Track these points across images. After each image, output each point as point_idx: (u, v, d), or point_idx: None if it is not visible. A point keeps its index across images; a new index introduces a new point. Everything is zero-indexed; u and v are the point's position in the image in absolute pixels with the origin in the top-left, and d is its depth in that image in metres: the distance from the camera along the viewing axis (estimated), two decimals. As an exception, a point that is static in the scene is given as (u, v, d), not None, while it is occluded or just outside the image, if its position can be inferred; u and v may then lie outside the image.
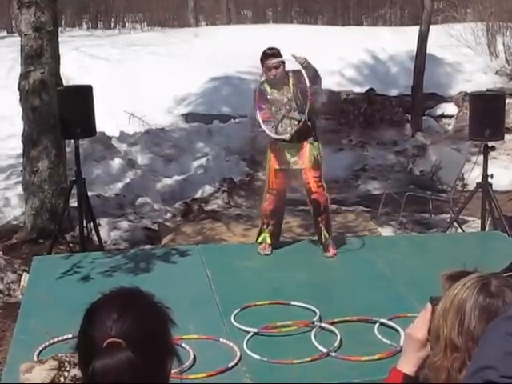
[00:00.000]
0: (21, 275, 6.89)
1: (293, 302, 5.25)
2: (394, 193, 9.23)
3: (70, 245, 7.57)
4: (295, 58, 6.02)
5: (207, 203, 9.93)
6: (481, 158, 7.82)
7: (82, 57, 15.19)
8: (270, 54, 6.12)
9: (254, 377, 4.27)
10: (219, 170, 10.75)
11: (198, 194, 10.18)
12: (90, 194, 7.71)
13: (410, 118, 12.78)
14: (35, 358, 4.14)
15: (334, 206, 9.48)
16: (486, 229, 7.68)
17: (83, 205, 7.17)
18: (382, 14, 30.47)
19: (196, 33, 18.25)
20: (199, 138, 11.73)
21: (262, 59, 6.16)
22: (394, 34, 16.58)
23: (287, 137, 6.16)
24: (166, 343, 1.72)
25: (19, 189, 8.80)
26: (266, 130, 6.16)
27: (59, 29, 8.82)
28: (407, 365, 1.93)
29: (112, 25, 32.39)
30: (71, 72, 11.81)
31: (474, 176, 8.89)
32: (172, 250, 6.61)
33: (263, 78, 6.28)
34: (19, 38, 8.25)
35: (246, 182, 10.65)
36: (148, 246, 7.93)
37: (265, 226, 6.50)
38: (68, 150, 8.62)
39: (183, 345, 4.34)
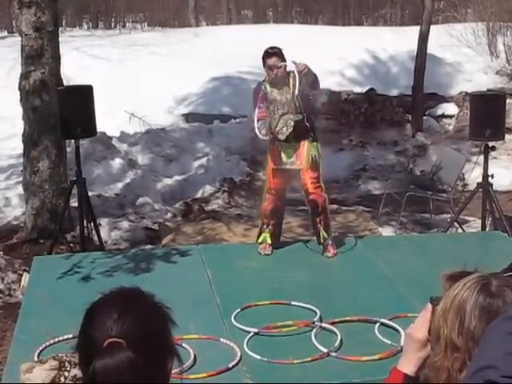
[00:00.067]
0: (21, 275, 6.89)
1: (293, 302, 5.24)
2: (395, 193, 9.23)
3: (71, 245, 7.57)
4: (295, 64, 6.05)
5: (208, 203, 9.93)
6: (481, 158, 7.82)
7: (83, 57, 15.20)
8: (272, 53, 6.13)
9: (254, 377, 4.27)
10: (220, 169, 10.75)
11: (199, 194, 10.19)
12: (90, 193, 7.72)
13: (410, 118, 12.78)
14: (36, 358, 4.14)
15: (335, 206, 9.48)
16: (487, 229, 7.68)
17: (84, 205, 7.17)
18: (383, 14, 30.47)
19: (196, 33, 18.25)
20: (200, 138, 11.73)
21: (263, 58, 6.17)
22: (394, 34, 16.59)
23: (281, 137, 6.20)
24: (167, 343, 1.72)
25: (20, 189, 8.80)
26: (256, 129, 6.17)
27: (60, 29, 8.82)
28: (407, 365, 1.93)
29: (112, 25, 32.40)
30: (72, 72, 11.81)
31: (474, 176, 8.89)
32: (172, 250, 6.61)
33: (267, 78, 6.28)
34: (20, 38, 8.25)
35: (246, 182, 10.65)
36: (148, 246, 7.93)
37: (265, 226, 6.50)
38: (68, 149, 8.62)
39: (184, 345, 4.34)
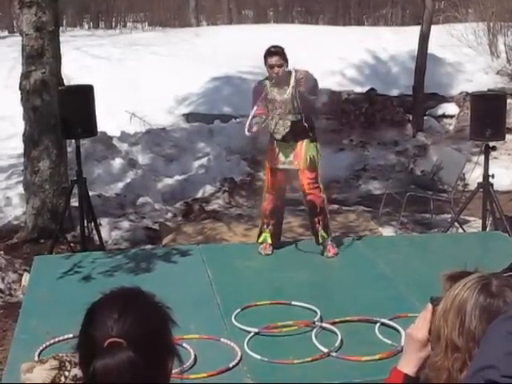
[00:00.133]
0: (22, 275, 6.89)
1: (294, 302, 5.24)
2: (395, 193, 9.23)
3: (71, 244, 7.57)
4: (296, 71, 6.07)
5: (208, 203, 9.93)
6: (482, 158, 7.82)
7: (83, 56, 15.20)
8: (274, 52, 6.13)
9: (254, 377, 4.27)
10: (220, 169, 10.75)
11: (199, 194, 10.19)
12: (90, 193, 7.72)
13: (410, 118, 12.78)
14: (36, 358, 4.14)
15: (335, 206, 9.49)
16: (487, 229, 7.68)
17: (84, 204, 7.17)
18: (383, 14, 30.47)
19: (197, 33, 18.25)
20: (200, 138, 11.74)
21: (265, 57, 6.17)
22: (395, 34, 16.59)
23: (277, 137, 6.23)
24: (167, 343, 1.72)
25: (20, 188, 8.80)
26: (247, 124, 6.18)
27: (60, 28, 8.83)
28: (408, 365, 1.93)
29: (113, 24, 32.40)
30: (72, 72, 11.80)
31: (474, 176, 8.88)
32: (173, 250, 6.61)
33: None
34: (20, 38, 8.25)
35: (246, 182, 10.65)
36: (149, 246, 7.93)
37: (265, 226, 6.50)
38: (69, 149, 8.62)
39: (184, 345, 4.34)
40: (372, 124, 12.76)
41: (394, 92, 13.94)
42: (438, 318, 1.81)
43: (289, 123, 6.18)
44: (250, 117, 6.15)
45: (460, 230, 8.12)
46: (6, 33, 25.17)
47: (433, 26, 12.96)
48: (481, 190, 7.62)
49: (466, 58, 14.83)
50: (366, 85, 13.97)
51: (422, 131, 12.48)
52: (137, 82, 14.00)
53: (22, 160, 8.64)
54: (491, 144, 7.89)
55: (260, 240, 6.52)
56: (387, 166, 11.72)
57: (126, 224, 8.71)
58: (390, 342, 4.59)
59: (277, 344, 4.74)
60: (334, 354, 4.50)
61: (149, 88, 13.69)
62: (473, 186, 8.37)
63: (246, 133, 6.18)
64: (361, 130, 12.66)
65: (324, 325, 4.87)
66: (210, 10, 33.55)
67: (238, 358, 4.43)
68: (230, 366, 4.34)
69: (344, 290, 5.72)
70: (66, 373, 3.02)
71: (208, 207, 9.76)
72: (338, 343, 4.60)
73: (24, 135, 8.25)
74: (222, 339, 4.68)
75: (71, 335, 4.24)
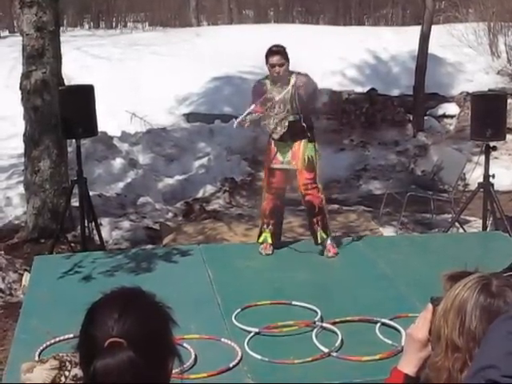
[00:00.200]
0: (22, 275, 6.89)
1: (294, 302, 5.24)
2: (396, 193, 9.23)
3: (72, 244, 7.57)
4: (297, 76, 6.09)
5: (208, 203, 9.93)
6: (482, 158, 7.82)
7: (84, 56, 15.20)
8: (276, 51, 6.13)
9: (255, 377, 4.27)
10: (221, 169, 10.76)
11: (200, 194, 10.19)
12: (91, 193, 7.72)
13: (411, 118, 12.78)
14: (36, 358, 4.14)
15: (336, 206, 9.49)
16: (488, 229, 7.68)
17: (85, 204, 7.17)
18: (384, 14, 30.48)
19: (198, 33, 18.25)
20: (201, 138, 11.74)
21: (266, 55, 6.17)
22: (395, 34, 16.59)
23: (275, 136, 6.24)
24: (168, 343, 1.72)
25: (21, 188, 8.80)
26: (239, 117, 6.19)
27: (61, 28, 8.82)
28: (408, 365, 1.93)
29: (114, 24, 32.40)
30: (73, 72, 11.81)
31: (475, 176, 8.88)
32: (173, 250, 6.62)
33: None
34: (21, 38, 8.25)
35: (247, 182, 10.65)
36: (149, 246, 7.94)
37: (265, 226, 6.49)
38: (69, 149, 8.62)
39: (184, 344, 4.34)
40: (372, 124, 12.76)
41: (395, 92, 13.94)
42: (439, 318, 1.81)
43: (287, 123, 6.19)
44: (246, 112, 6.16)
45: (460, 230, 8.12)
46: (6, 33, 25.17)
47: (433, 26, 12.96)
48: (481, 190, 7.62)
49: (467, 58, 14.83)
50: (366, 85, 13.97)
51: (423, 131, 12.48)
52: (137, 81, 14.00)
53: (22, 160, 8.64)
54: (492, 144, 7.88)
55: (260, 240, 6.52)
56: (388, 166, 11.72)
57: (126, 224, 8.71)
58: (390, 342, 4.59)
59: (277, 344, 4.74)
60: (334, 353, 4.50)
61: (149, 88, 13.69)
62: (473, 186, 8.37)
63: (235, 124, 6.20)
64: (361, 130, 12.66)
65: (324, 325, 4.87)
66: (211, 10, 33.56)
67: (239, 358, 4.43)
68: (231, 365, 4.34)
69: (344, 290, 5.71)
70: (67, 373, 3.02)
71: (208, 207, 9.76)
72: (338, 343, 4.60)
73: (24, 135, 8.25)
74: (222, 339, 4.68)
75: (72, 335, 4.24)
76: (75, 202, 7.66)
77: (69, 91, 7.49)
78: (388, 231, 8.70)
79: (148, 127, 11.75)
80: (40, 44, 7.94)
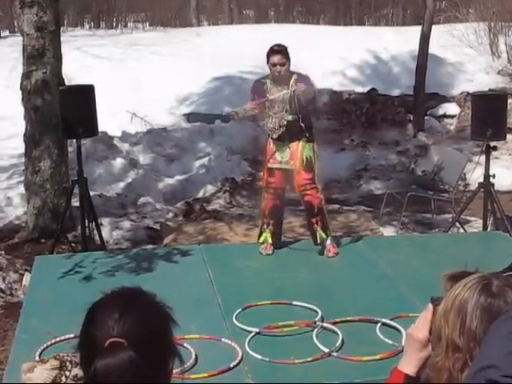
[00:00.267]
0: (23, 275, 6.89)
1: (294, 302, 5.24)
2: (396, 193, 9.23)
3: (72, 244, 7.57)
4: (296, 80, 6.10)
5: (209, 203, 9.93)
6: (483, 157, 7.82)
7: (84, 56, 15.20)
8: (277, 50, 6.14)
9: (255, 377, 4.27)
10: (221, 169, 10.76)
11: (200, 194, 10.19)
12: (91, 193, 7.72)
13: (411, 118, 12.78)
14: (37, 358, 4.14)
15: (336, 206, 9.49)
16: (488, 229, 7.68)
17: (85, 204, 7.17)
18: (384, 14, 30.45)
19: (198, 33, 18.25)
20: (201, 138, 11.74)
21: (268, 54, 6.18)
22: (396, 34, 16.58)
23: (273, 135, 6.26)
24: (168, 343, 1.72)
25: (21, 188, 8.80)
26: (235, 109, 6.21)
27: (61, 28, 8.82)
28: (408, 365, 1.93)
29: (114, 24, 32.36)
30: (73, 72, 11.81)
31: (475, 176, 8.88)
32: (174, 250, 6.62)
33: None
34: (21, 38, 8.25)
35: (247, 182, 10.65)
36: (150, 246, 7.93)
37: (265, 226, 6.49)
38: (70, 149, 8.62)
39: (185, 344, 4.34)
40: (373, 124, 12.76)
41: (395, 92, 13.94)
42: (439, 318, 1.81)
43: (285, 122, 6.19)
44: (243, 106, 6.19)
45: (461, 230, 8.12)
46: (6, 33, 25.16)
47: (434, 26, 12.96)
48: (482, 189, 7.62)
49: (467, 58, 14.83)
50: (366, 85, 13.97)
51: (423, 131, 12.48)
52: (138, 81, 14.00)
53: (22, 160, 8.64)
54: (492, 144, 7.88)
55: (261, 240, 6.52)
56: (388, 166, 11.72)
57: (127, 224, 8.71)
58: (390, 341, 4.59)
59: (278, 344, 4.74)
60: (334, 353, 4.50)
61: (150, 88, 13.69)
62: (474, 186, 8.37)
63: (231, 112, 6.26)
64: (362, 130, 12.67)
65: (325, 325, 4.87)
66: (211, 10, 33.53)
67: (239, 358, 4.43)
68: (231, 365, 4.34)
69: (345, 290, 5.71)
70: (67, 373, 3.02)
71: (209, 207, 9.76)
72: (338, 343, 4.60)
73: (25, 135, 8.25)
74: (222, 339, 4.68)
75: (72, 335, 4.24)
76: (76, 202, 7.66)
77: (69, 91, 7.49)
78: (388, 231, 8.70)
79: (148, 127, 11.75)
80: (40, 44, 7.94)
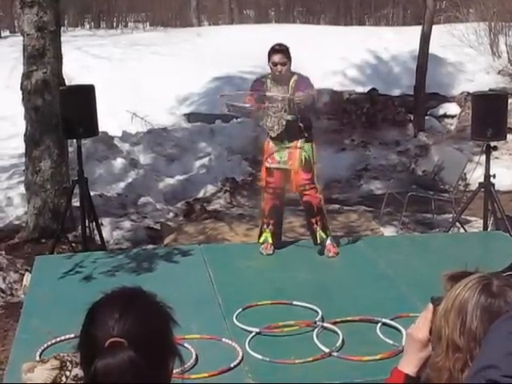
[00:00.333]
0: (23, 275, 6.89)
1: (295, 302, 5.24)
2: (397, 193, 9.23)
3: (73, 244, 7.57)
4: (296, 82, 6.12)
5: (209, 203, 9.93)
6: (483, 157, 7.82)
7: (85, 56, 15.21)
8: (279, 49, 6.14)
9: (256, 377, 4.27)
10: (221, 169, 10.76)
11: (201, 194, 10.19)
12: (92, 193, 7.72)
13: (412, 118, 12.78)
14: (37, 358, 4.14)
15: (337, 206, 9.49)
16: (489, 229, 7.68)
17: (85, 204, 7.17)
18: (385, 14, 30.45)
19: (198, 33, 18.26)
20: (201, 138, 11.74)
21: (269, 54, 6.18)
22: (396, 34, 16.59)
23: (272, 134, 6.26)
24: (168, 343, 1.72)
25: (21, 188, 8.81)
26: (233, 102, 6.23)
27: (62, 28, 8.82)
28: (408, 365, 1.93)
29: (114, 24, 32.36)
30: (73, 72, 11.81)
31: (476, 176, 8.88)
32: (174, 250, 6.61)
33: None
34: (21, 38, 8.25)
35: (248, 182, 10.65)
36: (150, 246, 7.93)
37: (265, 226, 6.49)
38: (70, 149, 8.62)
39: (185, 344, 4.34)
40: (373, 124, 12.76)
41: (396, 92, 13.94)
42: (439, 318, 1.81)
43: (284, 122, 6.19)
44: (241, 103, 6.21)
45: (461, 230, 8.12)
46: (7, 33, 25.18)
47: (434, 26, 12.96)
48: (482, 189, 7.62)
49: (468, 58, 14.83)
50: (367, 85, 13.97)
51: (424, 131, 12.48)
52: (138, 81, 14.01)
53: (23, 160, 8.64)
54: (492, 144, 7.88)
55: (261, 240, 6.51)
56: (388, 166, 11.72)
57: (127, 224, 8.71)
58: (391, 341, 4.58)
59: (278, 344, 4.74)
60: (335, 353, 4.50)
61: (150, 88, 13.70)
62: (474, 186, 8.37)
63: (227, 106, 6.27)
64: (362, 130, 12.66)
65: (325, 325, 4.87)
66: (212, 10, 33.53)
67: (240, 358, 4.43)
68: (232, 365, 4.34)
69: (345, 290, 5.71)
70: (67, 373, 3.02)
71: (209, 207, 9.76)
72: (339, 343, 4.60)
73: (25, 135, 8.26)
74: (223, 339, 4.68)
75: (72, 335, 4.24)
76: (76, 202, 7.67)
77: (69, 91, 7.49)
78: (389, 231, 8.70)
79: (149, 127, 11.75)
80: (41, 44, 7.95)
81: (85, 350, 1.68)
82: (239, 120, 12.30)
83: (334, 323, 4.87)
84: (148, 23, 34.10)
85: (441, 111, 13.36)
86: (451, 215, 8.92)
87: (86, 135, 7.52)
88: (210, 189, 10.28)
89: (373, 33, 17.21)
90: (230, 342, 4.63)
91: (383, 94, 13.57)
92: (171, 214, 9.34)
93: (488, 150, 7.67)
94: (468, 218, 8.70)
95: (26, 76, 8.04)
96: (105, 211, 8.75)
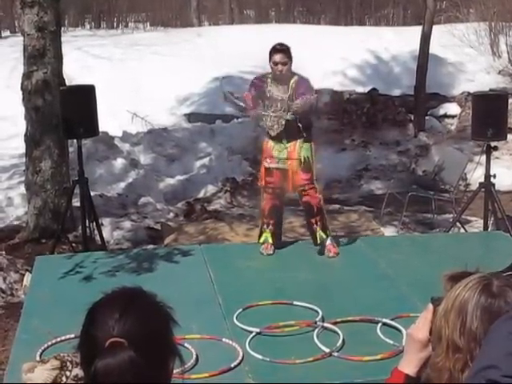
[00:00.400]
0: (23, 275, 6.89)
1: (295, 302, 5.24)
2: (397, 193, 9.23)
3: (73, 244, 7.57)
4: (296, 84, 6.12)
5: (210, 203, 9.93)
6: (483, 157, 7.81)
7: (85, 57, 15.21)
8: (280, 49, 6.14)
9: (256, 377, 4.27)
10: (222, 169, 10.76)
11: (201, 194, 10.19)
12: (92, 193, 7.72)
13: (412, 118, 12.78)
14: (37, 358, 4.14)
15: (337, 206, 9.49)
16: (489, 229, 7.67)
17: (86, 204, 7.17)
18: (385, 14, 30.44)
19: (199, 33, 18.25)
20: (202, 138, 11.74)
21: (270, 53, 6.18)
22: (396, 34, 16.59)
23: (271, 133, 6.26)
24: (169, 343, 1.72)
25: (22, 188, 8.81)
26: (231, 95, 6.23)
27: (62, 28, 8.83)
28: (409, 365, 1.93)
29: (115, 25, 32.36)
30: (74, 72, 11.81)
31: (476, 176, 8.88)
32: (174, 250, 6.61)
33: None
34: (22, 38, 8.26)
35: (248, 182, 10.65)
36: (150, 246, 7.94)
37: (265, 226, 6.48)
38: (71, 149, 8.63)
39: (186, 344, 4.34)
40: (374, 124, 12.76)
41: (396, 92, 13.94)
42: (439, 319, 1.81)
43: (283, 121, 6.19)
44: (240, 99, 6.22)
45: (462, 230, 8.12)
46: (7, 33, 25.18)
47: (434, 26, 12.96)
48: (482, 189, 7.62)
49: (468, 58, 14.83)
50: (367, 85, 13.97)
51: (424, 131, 12.48)
52: (138, 82, 14.01)
53: (23, 160, 8.65)
54: (493, 144, 7.88)
55: (261, 240, 6.51)
56: (389, 166, 11.72)
57: (127, 224, 8.71)
58: (391, 341, 4.58)
59: (278, 344, 4.74)
60: (335, 353, 4.50)
61: (150, 88, 13.70)
62: (474, 186, 8.37)
63: (224, 94, 6.26)
64: (362, 130, 12.66)
65: (326, 325, 4.87)
66: (212, 10, 33.53)
67: (240, 358, 4.42)
68: (232, 365, 4.34)
69: (345, 290, 5.71)
70: (68, 373, 3.02)
71: (210, 207, 9.76)
72: (339, 343, 4.59)
73: (26, 135, 8.26)
74: (223, 339, 4.68)
75: (73, 335, 4.24)
76: (76, 202, 7.67)
77: (70, 91, 7.50)
78: (389, 231, 8.70)
79: (149, 127, 11.75)
80: (41, 44, 7.95)
81: (85, 350, 1.68)
82: (240, 120, 12.31)
83: (335, 323, 4.87)
84: (148, 23, 34.10)
85: (441, 111, 13.37)
86: (451, 215, 8.92)
87: (86, 135, 7.52)
88: (211, 189, 10.29)
89: (373, 33, 17.21)
90: (231, 342, 4.63)
91: (383, 94, 13.57)
92: (171, 214, 9.34)
93: (488, 150, 7.67)
94: (468, 218, 8.70)
95: (27, 76, 8.04)
96: (105, 211, 8.76)
